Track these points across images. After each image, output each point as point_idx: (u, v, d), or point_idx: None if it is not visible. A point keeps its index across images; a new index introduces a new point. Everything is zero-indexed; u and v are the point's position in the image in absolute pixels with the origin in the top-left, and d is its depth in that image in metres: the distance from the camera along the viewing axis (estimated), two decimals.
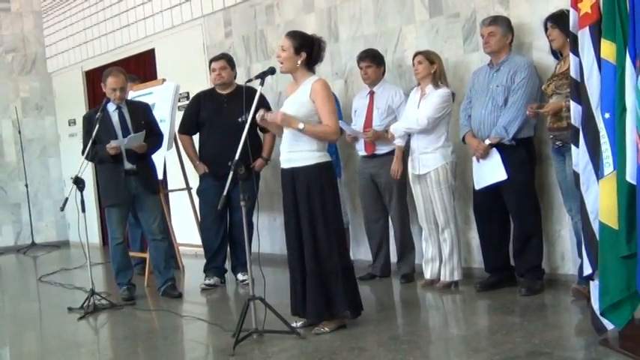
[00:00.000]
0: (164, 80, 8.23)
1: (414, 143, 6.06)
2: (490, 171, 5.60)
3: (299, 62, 4.98)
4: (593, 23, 4.01)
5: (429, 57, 6.00)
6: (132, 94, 7.90)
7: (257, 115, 5.00)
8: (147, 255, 7.47)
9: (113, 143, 6.40)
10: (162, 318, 6.06)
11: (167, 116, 7.64)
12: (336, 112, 5.00)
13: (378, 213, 6.64)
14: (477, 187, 5.72)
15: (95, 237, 10.73)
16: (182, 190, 8.16)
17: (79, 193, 6.30)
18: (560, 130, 5.15)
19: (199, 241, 7.60)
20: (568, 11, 4.89)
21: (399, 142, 6.25)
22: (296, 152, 4.96)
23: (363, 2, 7.11)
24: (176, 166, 8.12)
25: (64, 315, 6.41)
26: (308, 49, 4.98)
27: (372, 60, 6.53)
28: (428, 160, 5.97)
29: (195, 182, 7.57)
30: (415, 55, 6.10)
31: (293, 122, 4.91)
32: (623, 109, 3.73)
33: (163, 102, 7.78)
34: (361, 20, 7.14)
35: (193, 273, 7.86)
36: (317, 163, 4.95)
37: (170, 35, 9.49)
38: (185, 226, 8.59)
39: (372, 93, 6.58)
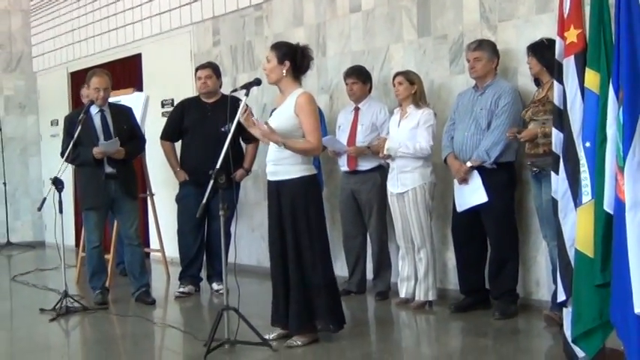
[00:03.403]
0: (134, 90, 8.30)
1: (393, 161, 6.08)
2: (471, 193, 5.62)
3: (284, 72, 4.99)
4: (578, 52, 4.04)
5: (409, 78, 6.02)
6: None
7: (240, 113, 4.96)
8: (110, 256, 7.51)
9: (97, 149, 6.38)
10: (135, 324, 6.01)
11: None
12: (318, 128, 5.00)
13: (357, 229, 6.64)
14: (459, 209, 5.73)
15: (71, 239, 10.65)
16: (144, 195, 8.14)
17: (57, 194, 6.27)
18: (536, 156, 5.20)
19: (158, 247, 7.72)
20: (548, 40, 4.96)
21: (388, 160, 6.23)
22: (281, 165, 4.97)
23: (352, 19, 7.14)
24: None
25: (36, 316, 6.35)
26: (291, 58, 4.99)
27: (359, 76, 6.55)
28: (406, 179, 5.98)
29: (160, 189, 7.67)
30: (395, 75, 6.13)
31: (273, 138, 4.93)
32: (604, 139, 3.76)
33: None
34: (350, 36, 7.17)
35: (164, 280, 7.89)
36: (301, 177, 4.95)
37: (158, 41, 9.47)
38: (149, 232, 8.72)
39: (357, 109, 6.59)
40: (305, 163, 4.99)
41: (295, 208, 4.93)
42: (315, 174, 5.07)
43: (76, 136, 6.35)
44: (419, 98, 6.01)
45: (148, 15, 9.56)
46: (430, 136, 5.91)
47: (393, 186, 6.09)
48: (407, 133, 5.96)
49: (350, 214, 6.63)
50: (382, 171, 6.38)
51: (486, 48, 5.68)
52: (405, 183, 5.99)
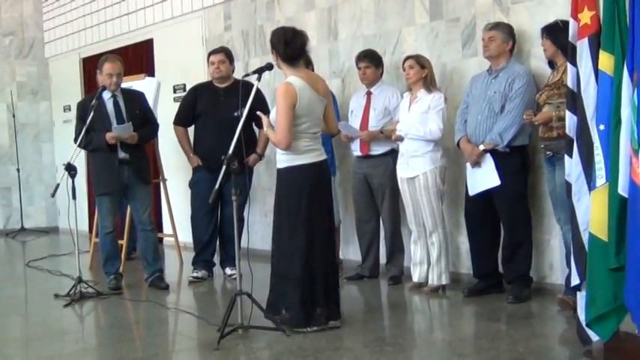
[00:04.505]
0: (146, 75, 8.31)
1: (403, 146, 6.05)
2: (483, 177, 5.60)
3: (276, 61, 5.02)
4: (592, 34, 4.01)
5: (420, 61, 5.99)
6: None
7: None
8: (124, 242, 7.58)
9: (110, 134, 6.40)
10: (149, 309, 6.04)
11: None
12: (283, 122, 4.81)
13: (370, 213, 6.63)
14: (471, 192, 5.71)
15: (84, 224, 10.68)
16: (157, 181, 8.15)
17: (70, 179, 6.28)
18: (550, 140, 5.17)
19: (171, 233, 7.90)
20: (563, 22, 4.91)
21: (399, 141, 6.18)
22: (277, 154, 5.05)
23: (364, 2, 7.10)
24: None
25: (50, 301, 6.38)
26: (275, 48, 4.99)
27: (371, 60, 6.52)
28: (416, 164, 5.95)
29: (173, 174, 7.82)
30: (405, 59, 6.10)
31: (264, 122, 5.01)
32: (618, 122, 3.73)
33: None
34: (361, 20, 7.14)
35: (178, 265, 7.94)
36: (285, 167, 4.97)
37: (169, 26, 9.45)
38: (162, 217, 8.93)
39: (369, 94, 6.57)
40: (291, 153, 4.91)
41: (278, 197, 5.01)
42: (304, 164, 4.91)
43: (88, 121, 6.36)
44: (429, 82, 5.97)
45: (159, 0, 9.54)
46: (441, 120, 5.87)
47: (403, 171, 6.07)
48: (417, 117, 5.93)
49: (363, 198, 6.62)
50: (395, 155, 6.35)
51: (502, 29, 5.64)
52: (415, 167, 5.97)
